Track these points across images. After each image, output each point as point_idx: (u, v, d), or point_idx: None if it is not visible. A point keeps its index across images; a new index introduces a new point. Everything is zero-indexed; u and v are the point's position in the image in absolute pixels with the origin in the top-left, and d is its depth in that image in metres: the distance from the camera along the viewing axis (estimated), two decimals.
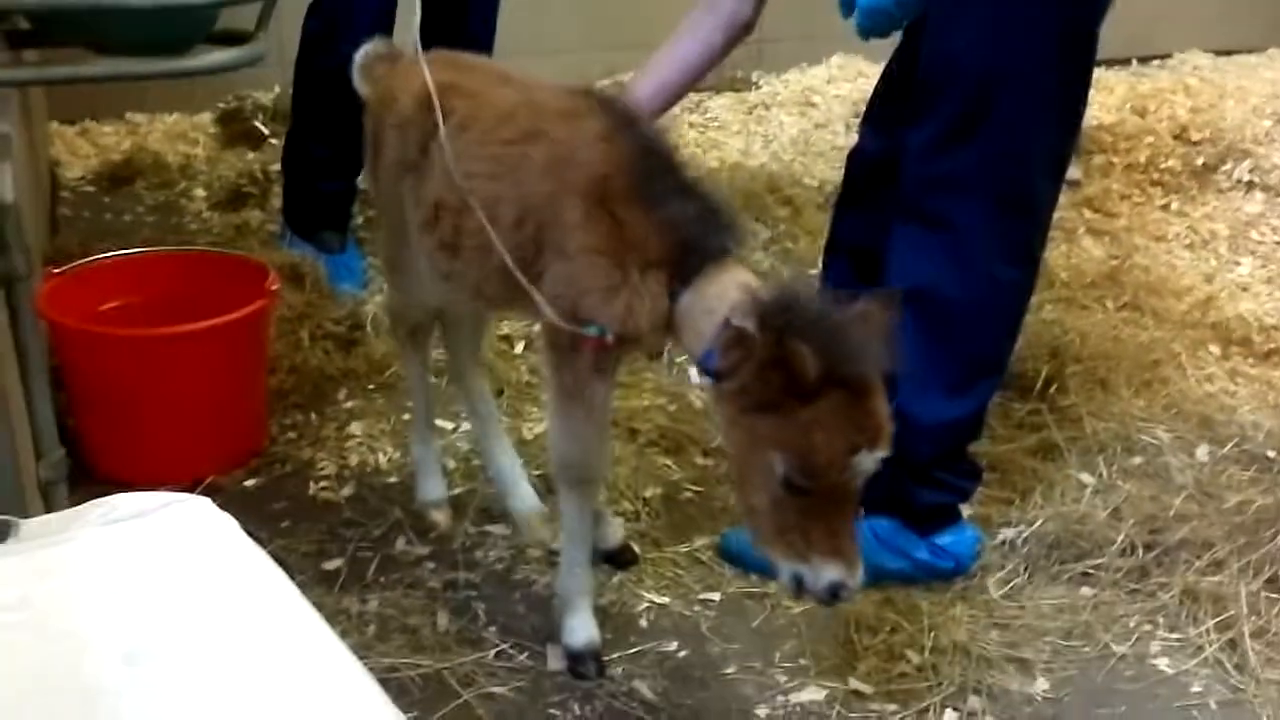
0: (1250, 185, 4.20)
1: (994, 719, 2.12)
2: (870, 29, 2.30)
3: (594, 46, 4.91)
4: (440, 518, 2.56)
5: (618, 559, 2.47)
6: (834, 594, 1.81)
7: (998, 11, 2.18)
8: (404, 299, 2.48)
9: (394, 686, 2.09)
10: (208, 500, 1.21)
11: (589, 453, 2.16)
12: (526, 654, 2.24)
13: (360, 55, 2.43)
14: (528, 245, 2.06)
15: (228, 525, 1.24)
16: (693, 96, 5.00)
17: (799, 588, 1.83)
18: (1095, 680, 2.22)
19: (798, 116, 4.93)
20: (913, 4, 2.25)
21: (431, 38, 2.40)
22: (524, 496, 2.56)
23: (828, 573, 1.79)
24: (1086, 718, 2.13)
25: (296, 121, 3.53)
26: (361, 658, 2.04)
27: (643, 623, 2.34)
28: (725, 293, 1.92)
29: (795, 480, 1.77)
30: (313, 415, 2.90)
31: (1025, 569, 2.47)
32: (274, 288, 2.73)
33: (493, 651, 2.22)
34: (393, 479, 2.71)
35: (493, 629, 2.29)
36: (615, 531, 2.48)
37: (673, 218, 1.95)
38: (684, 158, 2.07)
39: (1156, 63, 5.63)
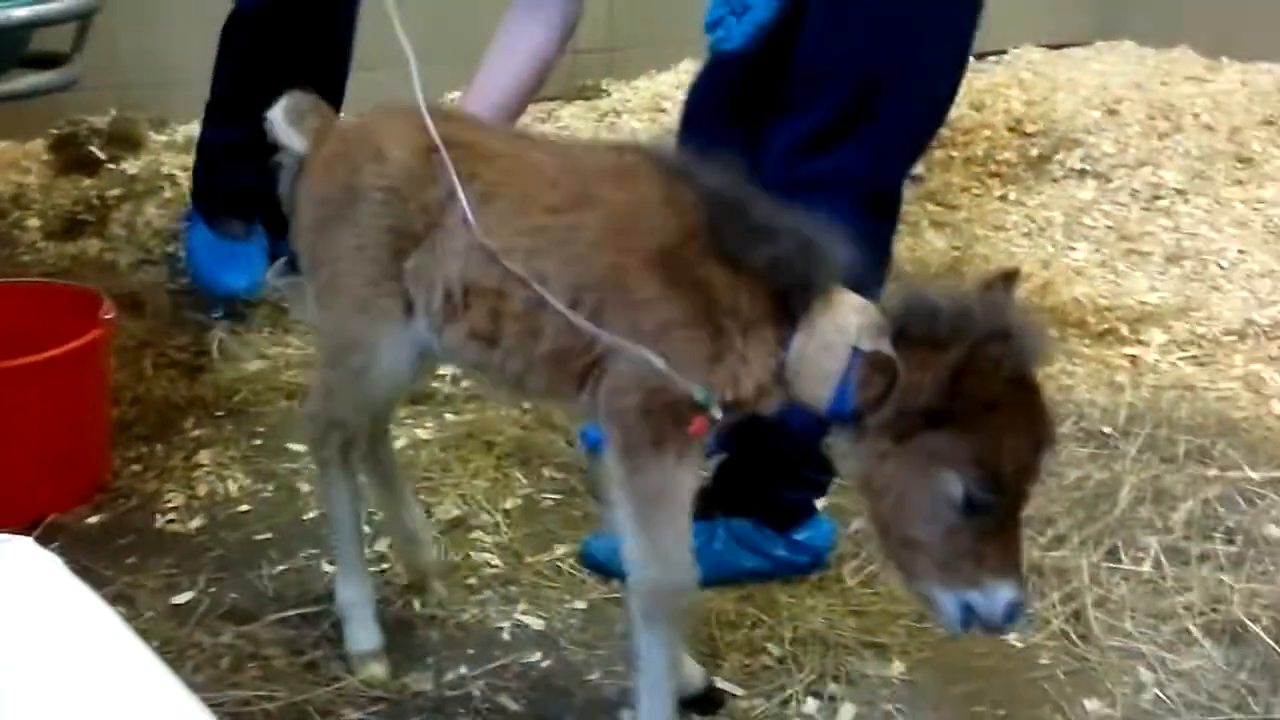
0: (1082, 173, 4.38)
1: (853, 704, 2.15)
2: (748, 47, 2.26)
3: (438, 59, 4.86)
4: (379, 670, 2.17)
5: (704, 703, 2.13)
6: (1011, 616, 1.68)
7: (888, 11, 2.17)
8: (348, 403, 2.06)
9: None
10: (29, 540, 1.16)
11: (685, 570, 1.86)
12: (391, 678, 2.20)
13: (285, 105, 2.09)
14: (582, 331, 1.81)
15: (52, 565, 1.20)
16: (544, 106, 5.01)
17: (968, 618, 1.69)
18: (949, 659, 2.27)
19: (649, 123, 4.97)
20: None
21: (291, 54, 2.41)
22: (429, 563, 2.36)
23: (1004, 593, 1.66)
24: (941, 696, 2.18)
25: (213, 100, 3.44)
26: (213, 692, 2.05)
27: (506, 636, 2.32)
28: (843, 323, 1.75)
29: (980, 497, 1.63)
30: (158, 446, 2.81)
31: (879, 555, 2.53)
32: (108, 316, 2.64)
33: (350, 677, 2.18)
34: (244, 507, 2.64)
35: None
36: (695, 671, 2.14)
37: (764, 265, 1.75)
38: (755, 189, 1.82)
39: (992, 58, 5.82)
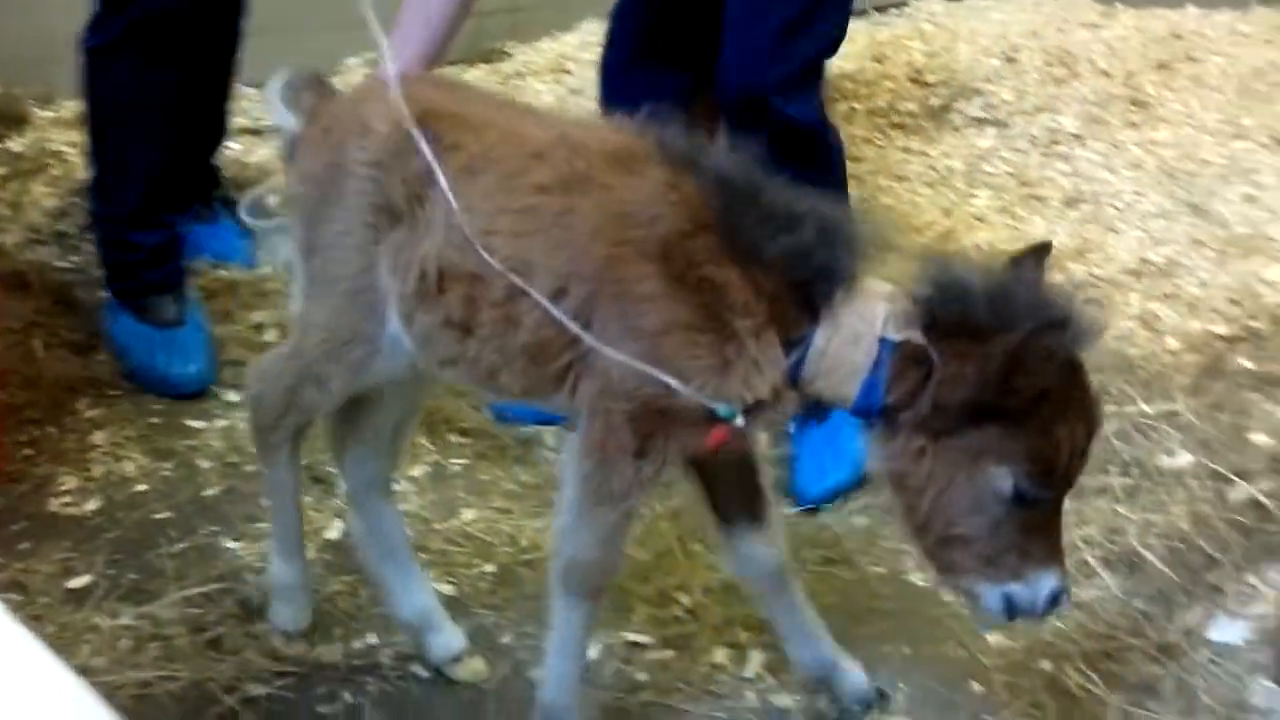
0: (982, 122, 4.41)
1: (761, 651, 2.17)
2: None
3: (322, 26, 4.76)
4: (302, 648, 2.15)
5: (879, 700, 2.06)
6: (1055, 603, 1.63)
7: None
8: (322, 388, 1.93)
9: (150, 702, 2.01)
10: None
11: (615, 556, 1.84)
12: (294, 649, 2.17)
13: (280, 82, 1.97)
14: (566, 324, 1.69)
15: None
16: (446, 69, 4.94)
17: (1011, 609, 1.64)
18: (856, 602, 2.30)
19: (553, 84, 4.91)
20: None
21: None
22: (451, 637, 2.14)
23: (1048, 581, 1.61)
24: (849, 638, 2.20)
25: (97, 159, 2.93)
26: (113, 675, 2.01)
27: None
28: (869, 312, 1.62)
29: (1031, 490, 1.56)
30: (51, 429, 2.73)
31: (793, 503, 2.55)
32: None
33: (255, 652, 2.15)
34: (142, 487, 2.58)
35: (255, 629, 2.21)
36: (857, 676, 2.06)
37: (783, 256, 1.63)
38: (770, 170, 1.69)
39: (894, 10, 5.84)
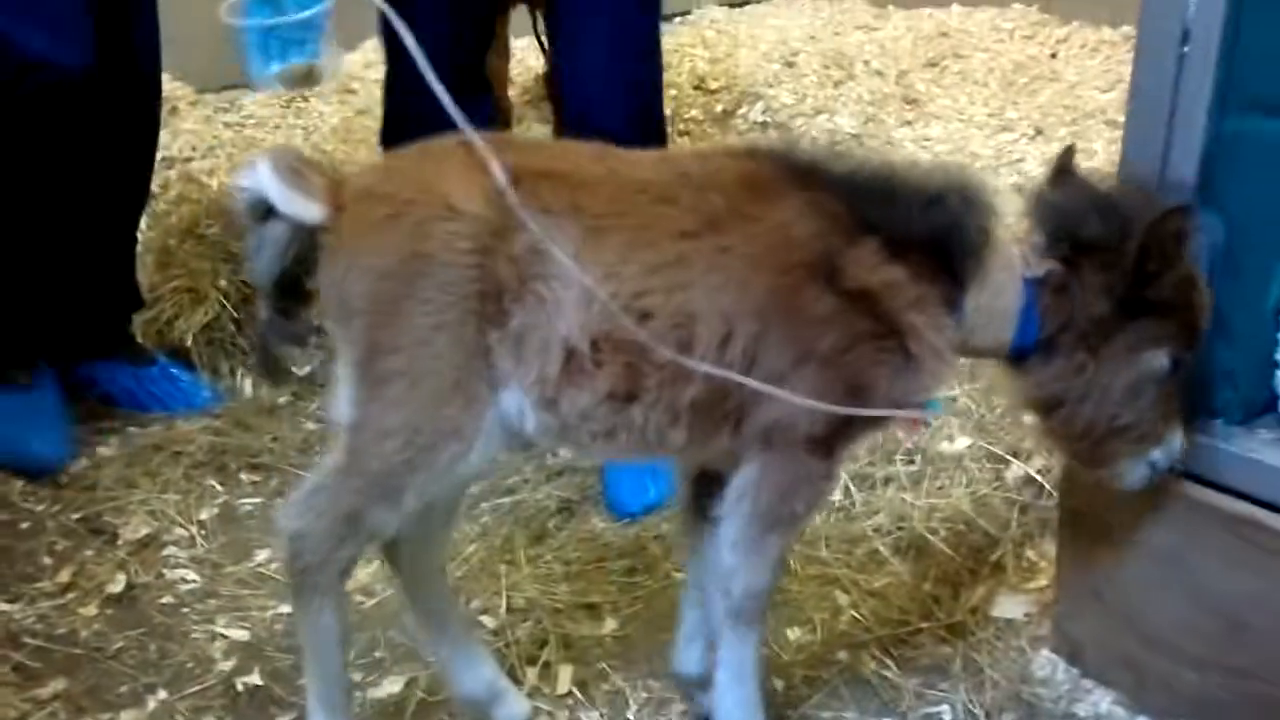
0: (765, 125, 4.51)
1: (569, 666, 2.16)
2: None
3: None
4: None
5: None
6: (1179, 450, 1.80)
7: None
8: (395, 503, 1.70)
9: None
10: None
11: (779, 575, 1.86)
12: (80, 716, 2.06)
13: (274, 165, 1.63)
14: (737, 366, 1.63)
15: None
16: (225, 95, 4.79)
17: (1152, 474, 1.79)
18: (659, 610, 2.31)
19: (337, 105, 4.82)
20: None
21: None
22: (517, 703, 2.02)
23: (1176, 438, 1.78)
24: (653, 647, 2.21)
25: None
26: None
27: (208, 652, 2.22)
28: (1007, 259, 1.71)
29: (1185, 358, 1.73)
30: None
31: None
32: None
33: None
34: None
35: (34, 694, 2.09)
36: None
37: (933, 235, 1.66)
38: (880, 155, 1.76)
39: (678, 19, 5.93)
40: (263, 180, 1.63)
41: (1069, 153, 1.79)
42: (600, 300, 1.60)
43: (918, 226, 1.66)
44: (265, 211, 1.65)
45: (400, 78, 2.60)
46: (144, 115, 2.81)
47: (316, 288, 1.72)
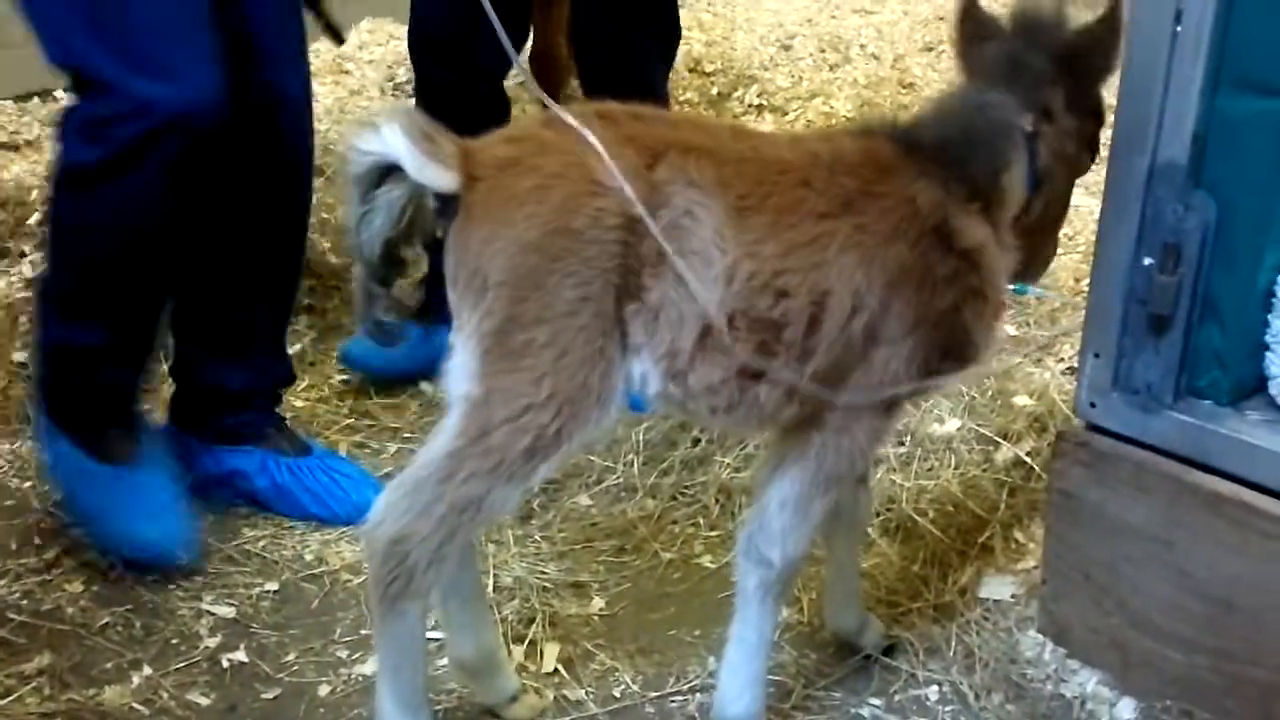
0: (760, 108, 4.51)
1: (555, 644, 2.16)
2: None
3: None
4: None
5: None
6: None
7: None
8: (521, 481, 1.66)
9: None
10: None
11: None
12: (65, 692, 2.06)
13: (404, 127, 1.56)
14: (857, 338, 1.68)
15: None
16: None
17: None
18: (645, 589, 2.31)
19: (332, 85, 4.80)
20: None
21: None
22: (508, 680, 1.99)
23: None
24: (639, 625, 2.21)
25: (58, 291, 2.29)
26: None
27: (194, 629, 2.21)
28: (1020, 144, 1.79)
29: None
30: None
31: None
32: None
33: (21, 694, 2.02)
34: None
35: (18, 669, 2.08)
36: (878, 628, 2.13)
37: (996, 169, 1.76)
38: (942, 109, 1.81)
39: None
40: (393, 143, 1.57)
41: None
42: (743, 274, 1.63)
43: (984, 175, 1.75)
44: (382, 176, 1.60)
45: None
46: (287, 169, 2.48)
47: (413, 257, 1.70)
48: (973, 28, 1.86)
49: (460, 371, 1.66)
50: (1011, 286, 1.86)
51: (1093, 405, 1.96)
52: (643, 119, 1.67)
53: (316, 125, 4.34)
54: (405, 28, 5.50)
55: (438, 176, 1.59)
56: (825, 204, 1.67)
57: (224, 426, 2.49)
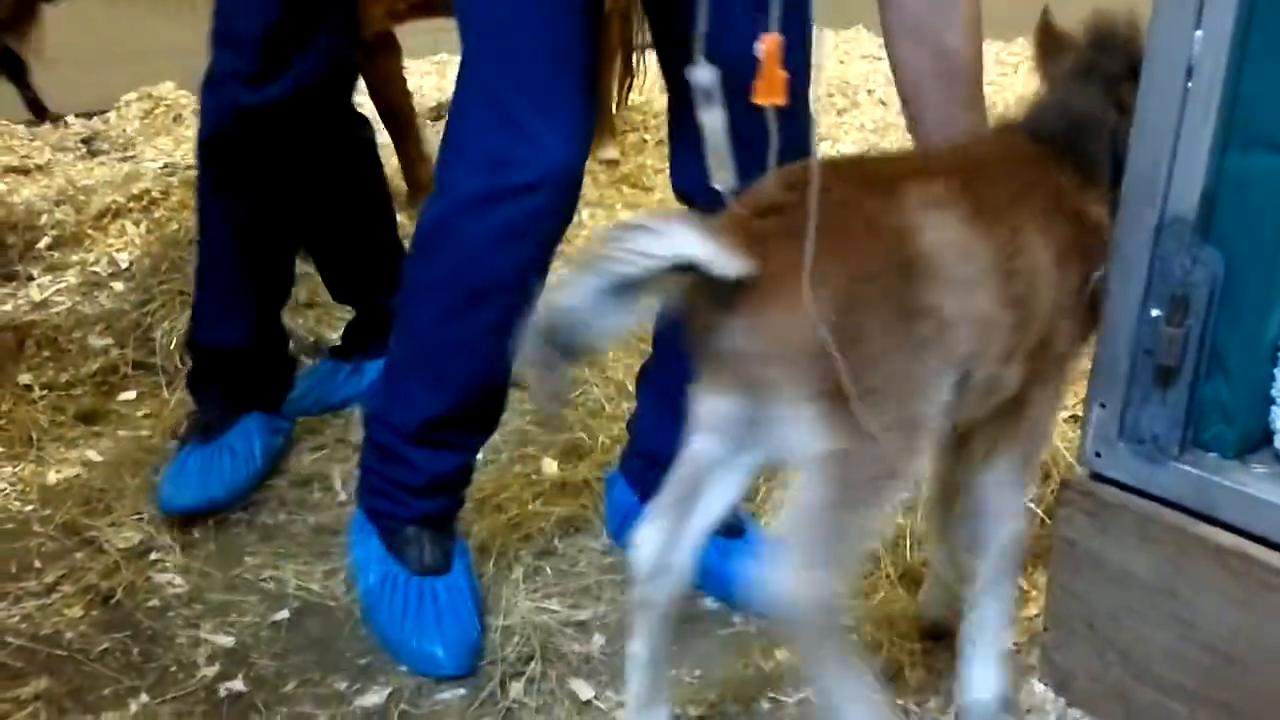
0: None
1: (554, 681, 2.15)
2: None
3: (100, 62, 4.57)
4: None
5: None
6: None
7: None
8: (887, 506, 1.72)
9: None
10: None
11: None
12: (61, 717, 2.05)
13: (693, 230, 1.56)
14: (1052, 312, 1.83)
15: None
16: None
17: None
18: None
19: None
20: None
21: None
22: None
23: None
24: None
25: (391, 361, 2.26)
26: None
27: (199, 659, 2.20)
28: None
29: None
30: None
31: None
32: None
33: None
34: None
35: (14, 694, 2.07)
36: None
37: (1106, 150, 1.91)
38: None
39: None
40: (686, 246, 1.54)
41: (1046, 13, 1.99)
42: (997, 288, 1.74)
43: (1089, 165, 1.88)
44: (655, 278, 1.56)
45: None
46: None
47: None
48: (1050, 42, 1.99)
49: (803, 436, 1.65)
50: None
51: (1098, 455, 1.97)
52: (853, 163, 1.88)
53: None
54: (416, 61, 5.58)
55: (734, 264, 1.57)
56: (1011, 195, 1.80)
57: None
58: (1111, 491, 1.95)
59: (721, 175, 1.77)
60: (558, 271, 1.72)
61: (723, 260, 1.56)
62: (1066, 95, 1.92)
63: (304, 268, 3.38)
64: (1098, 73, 1.91)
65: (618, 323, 1.58)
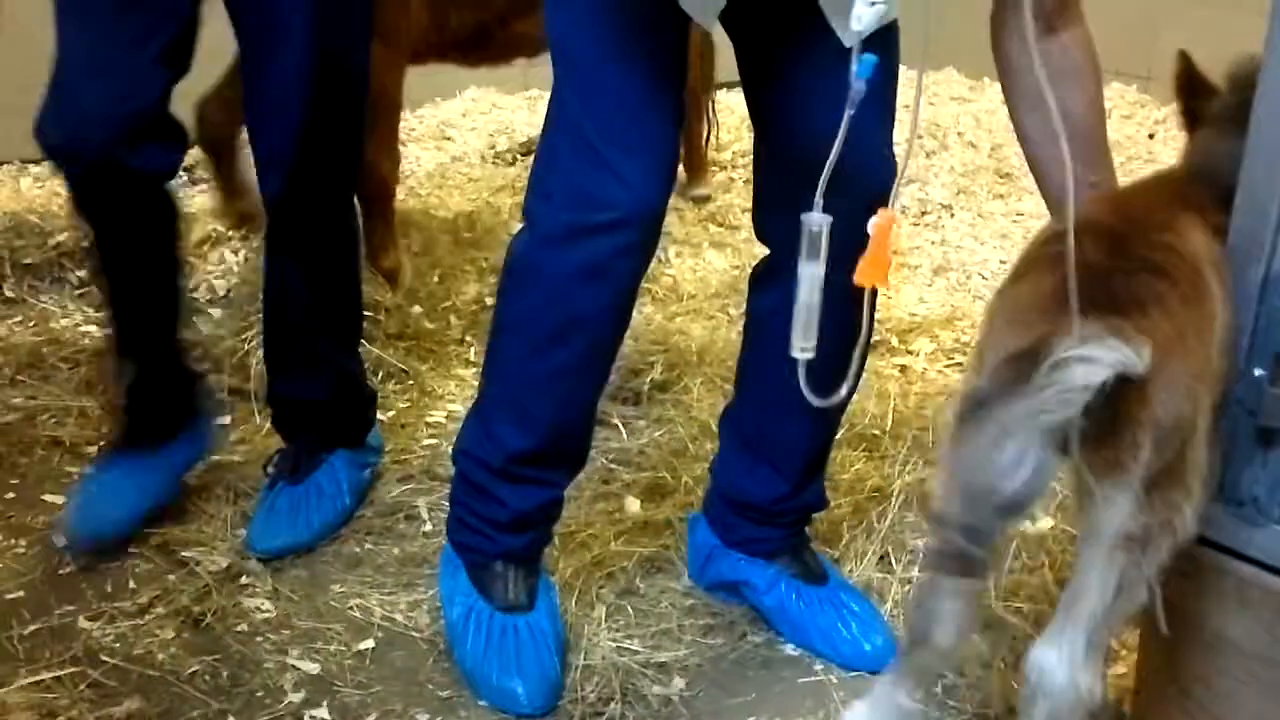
0: None
1: None
2: None
3: None
4: None
5: None
6: None
7: None
8: None
9: None
10: None
11: None
12: None
13: (1113, 341, 1.53)
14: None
15: None
16: None
17: None
18: (726, 673, 2.29)
19: (434, 151, 4.93)
20: None
21: None
22: None
23: None
24: (719, 709, 2.20)
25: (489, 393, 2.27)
26: None
27: (286, 685, 2.23)
28: None
29: None
30: None
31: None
32: None
33: None
34: None
35: (109, 712, 2.12)
36: None
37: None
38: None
39: None
40: (1114, 358, 1.50)
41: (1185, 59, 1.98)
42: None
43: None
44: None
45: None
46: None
47: None
48: (1192, 87, 1.99)
49: (1111, 518, 1.63)
50: None
51: None
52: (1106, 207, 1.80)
53: (418, 190, 4.50)
54: (508, 98, 5.64)
55: (1134, 358, 1.52)
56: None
57: (744, 534, 2.43)
58: (1209, 553, 1.90)
59: (803, 344, 1.72)
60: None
61: (1131, 357, 1.51)
62: (1228, 138, 1.84)
63: (395, 299, 3.46)
64: (1243, 121, 1.82)
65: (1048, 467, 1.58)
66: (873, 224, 1.64)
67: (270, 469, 2.71)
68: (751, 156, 2.40)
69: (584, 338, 2.10)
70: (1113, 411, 1.53)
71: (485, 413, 2.23)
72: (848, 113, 1.65)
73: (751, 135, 2.35)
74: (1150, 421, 1.56)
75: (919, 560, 1.74)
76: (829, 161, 1.67)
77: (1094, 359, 1.48)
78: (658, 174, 2.07)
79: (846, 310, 1.76)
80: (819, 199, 1.68)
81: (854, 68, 1.65)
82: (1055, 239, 1.66)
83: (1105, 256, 1.64)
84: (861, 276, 1.64)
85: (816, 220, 1.68)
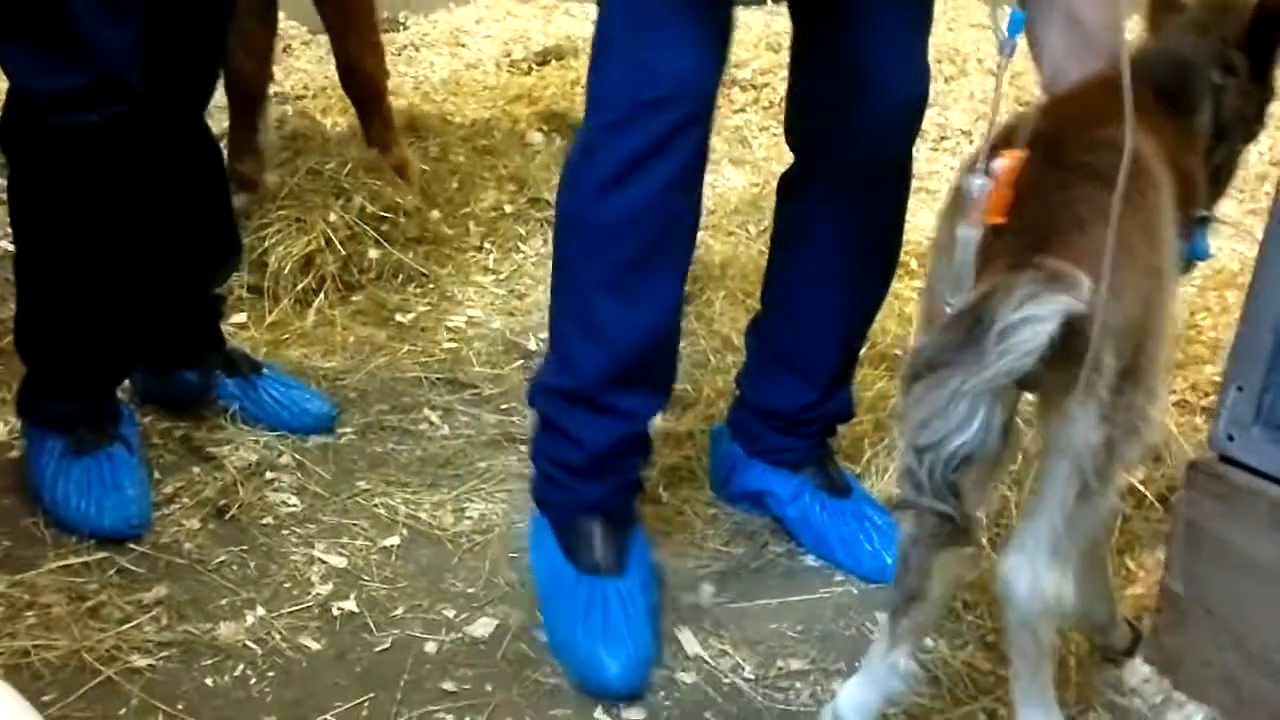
0: None
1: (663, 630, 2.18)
2: None
3: None
4: None
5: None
6: None
7: None
8: None
9: (27, 671, 1.93)
10: None
11: None
12: (181, 623, 2.10)
13: (1055, 286, 1.50)
14: None
15: None
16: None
17: None
18: (746, 580, 2.31)
19: (449, 57, 4.87)
20: None
21: None
22: None
23: None
24: (741, 615, 2.22)
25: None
26: None
27: (313, 577, 2.25)
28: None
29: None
30: None
31: None
32: None
33: (139, 622, 2.07)
34: (16, 452, 2.47)
35: (138, 598, 2.14)
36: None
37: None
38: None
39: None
40: (1055, 309, 1.47)
41: None
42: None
43: (1186, 113, 1.86)
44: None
45: None
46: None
47: None
48: (1163, 3, 1.96)
49: (1071, 428, 1.62)
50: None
51: (1230, 438, 1.94)
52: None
53: (433, 96, 4.44)
54: (522, 6, 5.56)
55: (1078, 294, 1.50)
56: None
57: (769, 444, 2.41)
58: (1243, 476, 1.93)
59: (958, 296, 1.61)
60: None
61: (1074, 295, 1.49)
62: (1174, 45, 1.88)
63: (413, 200, 3.43)
64: (1208, 30, 1.87)
65: (1001, 418, 1.54)
66: (999, 164, 1.61)
67: None
68: (768, 77, 2.36)
69: (652, 222, 1.97)
70: (1064, 334, 1.51)
71: (556, 336, 2.12)
72: (1000, 60, 1.62)
73: (771, 54, 2.31)
74: (1102, 333, 1.53)
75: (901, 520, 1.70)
76: (990, 122, 1.64)
77: (1038, 318, 1.46)
78: (707, 54, 1.96)
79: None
80: (981, 165, 1.61)
81: (1003, 24, 1.63)
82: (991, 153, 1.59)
83: (1042, 167, 1.58)
84: (988, 216, 1.59)
85: (977, 184, 1.64)
